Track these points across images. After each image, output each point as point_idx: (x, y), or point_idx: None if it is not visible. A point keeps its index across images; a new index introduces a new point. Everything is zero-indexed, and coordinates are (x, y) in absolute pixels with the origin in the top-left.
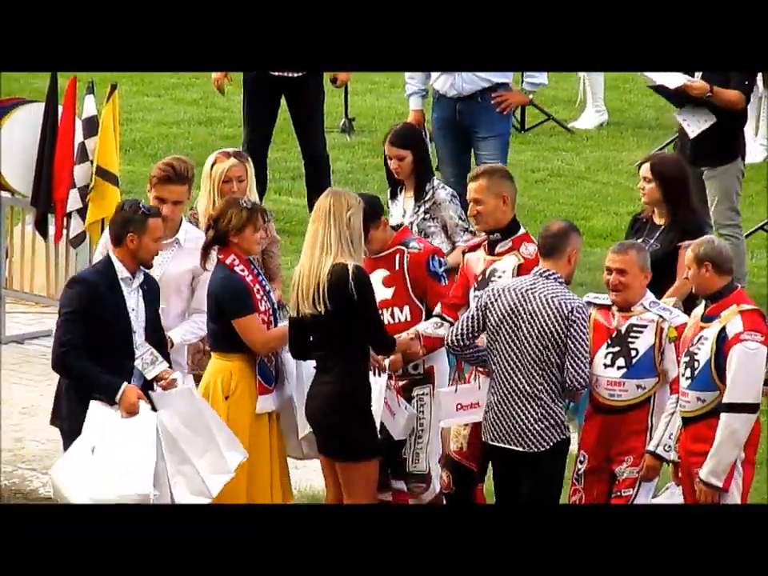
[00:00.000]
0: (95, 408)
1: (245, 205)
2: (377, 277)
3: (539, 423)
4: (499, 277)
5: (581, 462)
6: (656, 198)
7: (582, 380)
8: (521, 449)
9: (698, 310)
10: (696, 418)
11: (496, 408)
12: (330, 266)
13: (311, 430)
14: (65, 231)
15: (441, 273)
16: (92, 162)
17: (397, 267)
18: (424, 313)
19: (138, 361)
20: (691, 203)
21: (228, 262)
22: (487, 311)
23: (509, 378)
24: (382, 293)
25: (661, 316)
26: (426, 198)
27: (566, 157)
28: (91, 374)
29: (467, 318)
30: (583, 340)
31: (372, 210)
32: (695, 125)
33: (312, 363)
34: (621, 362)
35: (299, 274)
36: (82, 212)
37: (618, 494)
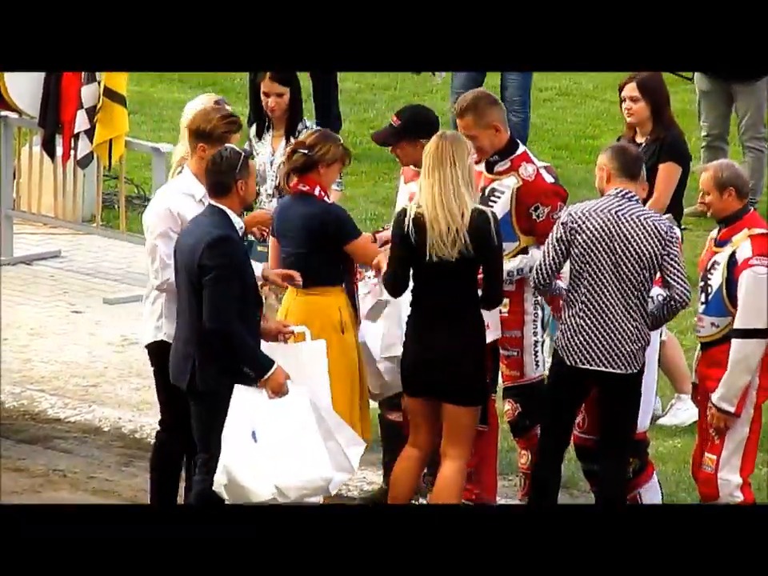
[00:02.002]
0: (241, 391)
1: (341, 141)
2: (409, 188)
3: (635, 344)
4: (498, 197)
5: None
6: (644, 117)
7: (688, 295)
8: (619, 370)
9: (714, 233)
10: (711, 343)
11: (588, 330)
12: (470, 211)
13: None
14: (72, 152)
15: None
16: (99, 83)
17: None
18: None
19: None
20: (671, 118)
21: (316, 193)
22: (575, 234)
23: (603, 300)
24: (406, 202)
25: None
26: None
27: (573, 76)
28: (248, 348)
29: (549, 252)
30: (680, 258)
31: (420, 127)
32: None
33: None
34: None
35: (430, 220)
36: (89, 133)
37: None
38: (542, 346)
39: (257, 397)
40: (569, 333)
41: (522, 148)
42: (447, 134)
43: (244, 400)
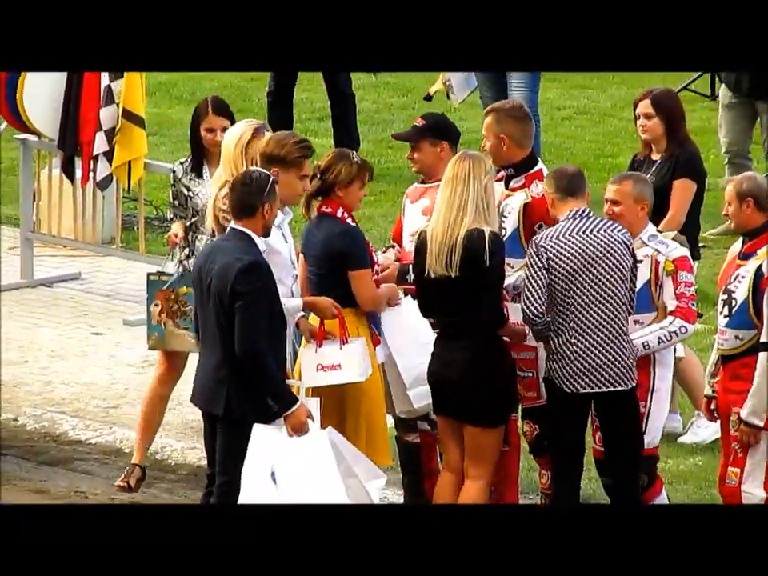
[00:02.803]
0: (260, 430)
1: (355, 159)
2: (420, 205)
3: (628, 359)
4: (509, 213)
5: None
6: (659, 134)
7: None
8: (621, 387)
9: (736, 247)
10: (734, 356)
11: (582, 355)
12: (466, 230)
13: (419, 386)
14: (91, 174)
15: None
16: (118, 105)
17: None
18: None
19: None
20: (686, 135)
21: (339, 215)
22: (552, 262)
23: (591, 321)
24: (418, 222)
25: (657, 250)
26: None
27: (591, 94)
28: (275, 380)
29: (534, 285)
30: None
31: (444, 130)
32: None
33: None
34: None
35: (431, 235)
36: (108, 155)
37: None
38: None
39: (276, 434)
40: (564, 361)
41: (539, 166)
42: (468, 153)
43: (263, 437)
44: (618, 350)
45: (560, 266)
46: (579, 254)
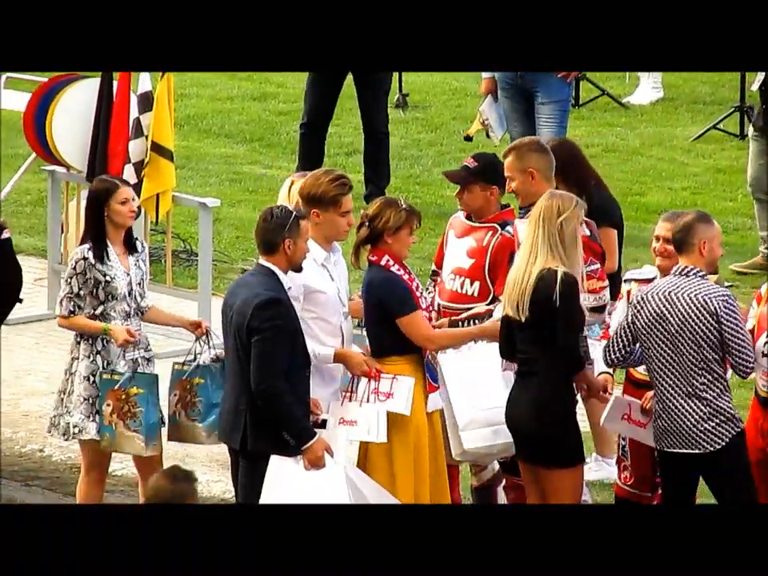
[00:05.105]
0: (276, 462)
1: (403, 206)
2: (465, 244)
3: (709, 422)
4: None
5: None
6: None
7: (749, 366)
8: (696, 451)
9: (764, 289)
10: None
11: (664, 415)
12: (538, 271)
13: (475, 429)
14: None
15: None
16: (147, 138)
17: (485, 243)
18: (492, 294)
19: None
20: (588, 180)
21: (383, 263)
22: (635, 319)
23: (669, 382)
24: (462, 261)
25: None
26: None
27: (620, 132)
28: (292, 416)
29: (618, 333)
30: (738, 329)
31: (496, 174)
32: None
33: (455, 360)
34: None
35: (511, 276)
36: (136, 187)
37: None
38: None
39: (293, 467)
40: (654, 417)
41: None
42: (552, 192)
43: (279, 469)
44: (692, 413)
45: (640, 322)
46: (652, 315)
